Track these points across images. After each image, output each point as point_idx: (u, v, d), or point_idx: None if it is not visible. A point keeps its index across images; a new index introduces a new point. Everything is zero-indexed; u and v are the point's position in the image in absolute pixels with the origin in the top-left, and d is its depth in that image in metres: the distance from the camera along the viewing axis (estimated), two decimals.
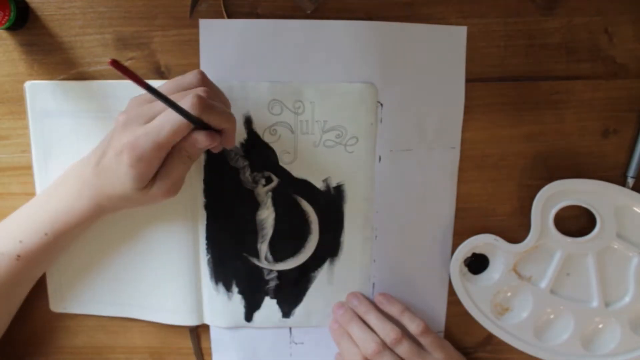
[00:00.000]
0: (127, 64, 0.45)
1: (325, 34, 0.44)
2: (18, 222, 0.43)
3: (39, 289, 0.48)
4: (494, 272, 0.48)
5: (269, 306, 0.49)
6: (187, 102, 0.35)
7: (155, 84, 0.44)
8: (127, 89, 0.44)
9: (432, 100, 0.46)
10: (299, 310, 0.49)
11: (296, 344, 0.50)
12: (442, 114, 0.46)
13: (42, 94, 0.45)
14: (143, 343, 0.50)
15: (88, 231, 0.46)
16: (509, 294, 0.49)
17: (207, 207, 0.46)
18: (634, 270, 0.47)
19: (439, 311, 0.50)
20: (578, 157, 0.48)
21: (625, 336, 0.48)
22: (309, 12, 0.44)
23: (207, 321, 0.49)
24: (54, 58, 0.45)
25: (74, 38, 0.45)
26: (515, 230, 0.48)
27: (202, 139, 0.37)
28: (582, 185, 0.47)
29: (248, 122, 0.45)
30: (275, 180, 0.46)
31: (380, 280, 0.49)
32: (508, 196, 0.48)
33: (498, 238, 0.47)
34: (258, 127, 0.45)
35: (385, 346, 0.44)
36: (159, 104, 0.37)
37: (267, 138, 0.46)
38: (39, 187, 0.47)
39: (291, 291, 0.48)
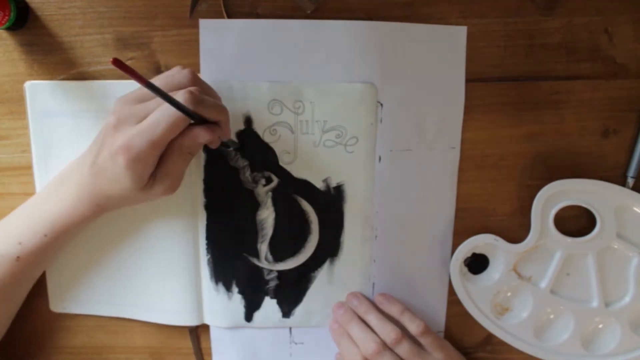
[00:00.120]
0: (127, 63, 0.45)
1: (325, 34, 0.44)
2: (17, 224, 0.42)
3: (39, 289, 0.48)
4: (494, 272, 0.48)
5: (269, 306, 0.49)
6: (180, 98, 0.35)
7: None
8: (127, 89, 0.44)
9: (432, 100, 0.46)
10: (299, 310, 0.49)
11: (296, 344, 0.50)
12: (442, 114, 0.46)
13: (42, 94, 0.45)
14: (143, 343, 0.50)
15: (88, 231, 0.46)
16: (509, 294, 0.49)
17: (207, 207, 0.46)
18: (634, 270, 0.47)
19: (439, 311, 0.50)
20: (578, 157, 0.48)
21: (625, 336, 0.48)
22: (309, 12, 0.44)
23: (207, 321, 0.49)
24: (54, 58, 0.45)
25: (74, 38, 0.45)
26: (515, 230, 0.48)
27: (203, 133, 0.37)
28: (582, 185, 0.47)
29: (248, 122, 0.45)
30: (275, 180, 0.46)
31: (380, 280, 0.49)
32: (508, 196, 0.48)
33: (498, 238, 0.47)
34: (258, 127, 0.45)
35: (385, 346, 0.44)
36: (151, 103, 0.37)
37: (267, 138, 0.46)
38: (39, 187, 0.47)
39: (291, 291, 0.48)
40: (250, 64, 0.44)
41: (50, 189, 0.43)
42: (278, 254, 0.48)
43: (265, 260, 0.48)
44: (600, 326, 0.49)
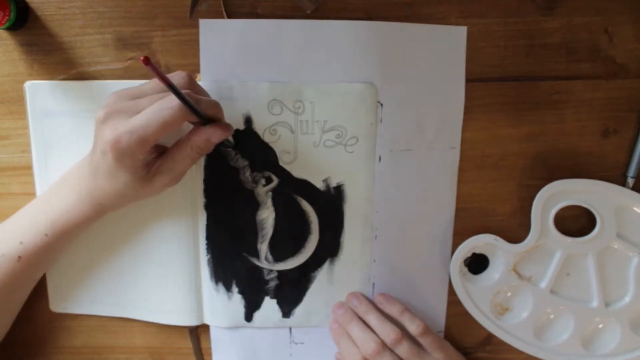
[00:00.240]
0: (127, 64, 0.45)
1: (325, 34, 0.44)
2: (18, 224, 0.43)
3: (39, 289, 0.48)
4: (494, 272, 0.48)
5: (269, 306, 0.49)
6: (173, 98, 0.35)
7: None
8: None
9: (432, 100, 0.46)
10: (299, 310, 0.49)
11: (296, 344, 0.50)
12: (442, 114, 0.46)
13: (42, 94, 0.45)
14: (143, 343, 0.50)
15: (88, 231, 0.46)
16: (509, 294, 0.49)
17: (207, 207, 0.46)
18: (634, 270, 0.47)
19: (439, 311, 0.50)
20: (578, 157, 0.48)
21: (625, 336, 0.48)
22: (309, 12, 0.44)
23: (207, 321, 0.49)
24: (54, 58, 0.45)
25: (74, 38, 0.45)
26: (515, 230, 0.48)
27: (219, 132, 0.38)
28: (582, 185, 0.47)
29: (248, 122, 0.45)
30: (275, 180, 0.46)
31: (380, 280, 0.49)
32: (508, 196, 0.48)
33: (498, 238, 0.47)
34: (258, 127, 0.45)
35: (385, 346, 0.44)
36: (143, 101, 0.37)
37: (267, 138, 0.46)
38: (39, 187, 0.47)
39: (291, 291, 0.48)
40: (250, 64, 0.44)
41: (53, 189, 0.43)
42: (278, 254, 0.48)
43: (265, 260, 0.48)
44: (600, 326, 0.49)
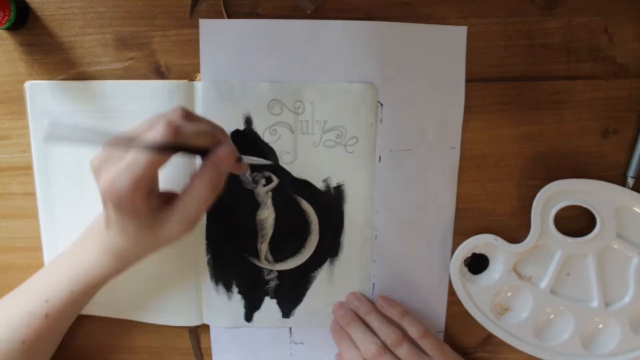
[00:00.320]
0: (127, 64, 0.45)
1: (325, 34, 0.44)
2: (44, 282, 0.42)
3: None
4: (494, 272, 0.48)
5: (269, 306, 0.49)
6: (156, 132, 0.33)
7: (155, 84, 0.44)
8: (127, 89, 0.45)
9: (432, 100, 0.46)
10: (299, 310, 0.49)
11: (296, 344, 0.50)
12: (442, 114, 0.46)
13: (42, 94, 0.45)
14: (143, 343, 0.50)
15: None
16: (509, 294, 0.49)
17: None
18: (634, 270, 0.47)
19: (439, 311, 0.50)
20: (578, 157, 0.48)
21: (625, 336, 0.48)
22: (309, 12, 0.44)
23: (207, 321, 0.49)
24: (54, 58, 0.45)
25: (74, 38, 0.45)
26: (515, 230, 0.48)
27: (222, 158, 0.35)
28: (582, 185, 0.47)
29: (248, 122, 0.45)
30: (275, 180, 0.46)
31: (380, 280, 0.49)
32: (508, 196, 0.48)
33: (498, 238, 0.47)
34: (258, 127, 0.45)
35: (385, 348, 0.44)
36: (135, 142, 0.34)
37: (267, 138, 0.46)
38: (39, 187, 0.47)
39: (291, 291, 0.48)
40: (250, 64, 0.44)
41: (76, 245, 0.42)
42: (278, 254, 0.48)
43: (265, 260, 0.48)
44: (600, 326, 0.49)
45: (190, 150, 0.35)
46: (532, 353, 0.49)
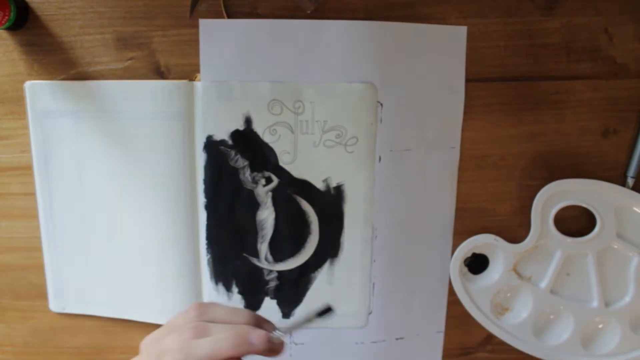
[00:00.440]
0: (127, 64, 0.45)
1: (325, 34, 0.44)
2: None
3: (39, 289, 0.48)
4: (494, 272, 0.48)
5: (269, 306, 0.49)
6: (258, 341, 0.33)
7: (155, 84, 0.44)
8: (127, 89, 0.45)
9: (432, 100, 0.46)
10: (299, 311, 0.49)
11: (296, 344, 0.50)
12: (442, 114, 0.46)
13: (42, 94, 0.45)
14: None
15: (88, 232, 0.46)
16: (509, 294, 0.49)
17: (207, 207, 0.46)
18: (634, 270, 0.47)
19: (439, 311, 0.50)
20: (578, 157, 0.48)
21: (625, 336, 0.48)
22: (309, 12, 0.44)
23: None
24: (54, 58, 0.45)
25: (74, 38, 0.45)
26: (515, 230, 0.48)
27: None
28: (582, 185, 0.47)
29: (248, 122, 0.45)
30: (275, 180, 0.46)
31: (380, 280, 0.49)
32: (508, 196, 0.48)
33: (498, 238, 0.47)
34: (258, 127, 0.45)
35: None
36: (213, 325, 0.34)
37: (267, 138, 0.46)
38: (39, 187, 0.47)
39: (291, 291, 0.48)
40: (250, 64, 0.44)
41: None
42: (278, 254, 0.48)
43: (265, 261, 0.48)
44: (600, 326, 0.49)
45: None
46: (532, 353, 0.49)
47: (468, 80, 0.46)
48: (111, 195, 0.46)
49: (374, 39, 0.44)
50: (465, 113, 0.47)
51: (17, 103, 0.46)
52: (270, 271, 0.48)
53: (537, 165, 0.48)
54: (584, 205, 0.47)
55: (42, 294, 0.49)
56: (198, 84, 0.45)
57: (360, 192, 0.47)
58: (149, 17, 0.44)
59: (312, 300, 0.49)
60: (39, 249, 0.48)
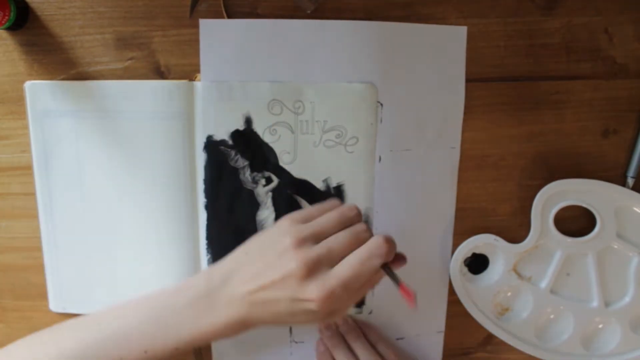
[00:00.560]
0: (127, 64, 0.45)
1: (325, 34, 0.44)
2: (146, 330, 0.38)
3: (39, 289, 0.48)
4: (494, 272, 0.48)
5: None
6: (379, 248, 0.36)
7: (155, 84, 0.44)
8: (126, 89, 0.44)
9: (432, 100, 0.46)
10: None
11: (296, 342, 0.50)
12: (442, 114, 0.46)
13: (42, 94, 0.45)
14: None
15: (88, 232, 0.46)
16: (509, 294, 0.49)
17: (207, 207, 0.46)
18: (634, 270, 0.47)
19: (439, 311, 0.50)
20: (578, 157, 0.48)
21: (625, 336, 0.48)
22: (309, 12, 0.44)
23: None
24: (54, 58, 0.45)
25: (74, 38, 0.45)
26: (515, 230, 0.48)
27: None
28: (582, 185, 0.47)
29: (248, 122, 0.45)
30: (275, 180, 0.46)
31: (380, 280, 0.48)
32: (508, 196, 0.48)
33: (498, 238, 0.47)
34: (258, 127, 0.45)
35: None
36: (336, 246, 0.35)
37: (267, 138, 0.46)
38: (39, 187, 0.47)
39: None
40: (250, 64, 0.44)
41: (186, 299, 0.38)
42: None
43: None
44: (600, 326, 0.49)
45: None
46: (532, 353, 0.49)
47: (468, 80, 0.46)
48: (111, 195, 0.46)
49: (374, 39, 0.44)
50: (465, 113, 0.47)
51: (17, 103, 0.46)
52: None
53: (537, 165, 0.48)
54: (584, 205, 0.47)
55: (42, 294, 0.49)
56: (198, 84, 0.45)
57: (360, 192, 0.47)
58: (149, 17, 0.44)
59: None
60: (39, 249, 0.48)
